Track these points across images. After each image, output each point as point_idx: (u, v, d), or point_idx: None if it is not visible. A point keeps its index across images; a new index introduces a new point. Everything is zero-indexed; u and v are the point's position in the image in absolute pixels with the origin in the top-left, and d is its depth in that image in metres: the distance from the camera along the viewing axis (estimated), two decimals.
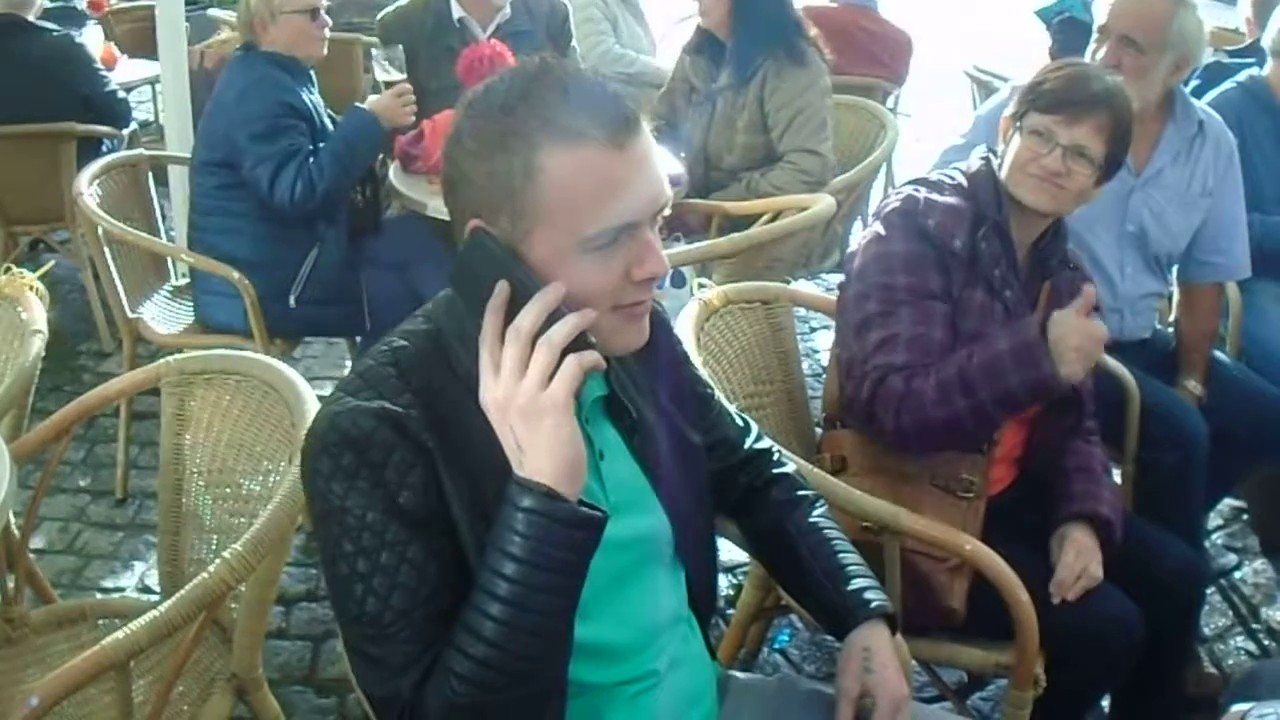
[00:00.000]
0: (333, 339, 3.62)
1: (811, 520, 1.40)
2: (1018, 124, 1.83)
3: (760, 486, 1.45)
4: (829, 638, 2.44)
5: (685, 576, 1.31)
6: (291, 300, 2.83)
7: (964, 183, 1.86)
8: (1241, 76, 2.82)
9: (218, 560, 1.41)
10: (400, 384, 1.09)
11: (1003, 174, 1.83)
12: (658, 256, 1.08)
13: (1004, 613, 1.63)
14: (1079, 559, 1.73)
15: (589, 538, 1.04)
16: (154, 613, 1.36)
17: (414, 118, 2.96)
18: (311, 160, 2.75)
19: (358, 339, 3.15)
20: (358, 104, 2.89)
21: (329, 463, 1.06)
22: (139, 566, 2.65)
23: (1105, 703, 2.04)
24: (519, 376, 1.02)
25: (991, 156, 1.88)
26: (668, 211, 1.11)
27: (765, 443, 1.49)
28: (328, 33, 2.90)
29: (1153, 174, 2.32)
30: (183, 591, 1.39)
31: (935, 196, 1.84)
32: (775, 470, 1.46)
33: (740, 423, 1.48)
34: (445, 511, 1.08)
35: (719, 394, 1.48)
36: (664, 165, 1.10)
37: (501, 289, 1.04)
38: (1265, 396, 2.39)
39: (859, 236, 1.94)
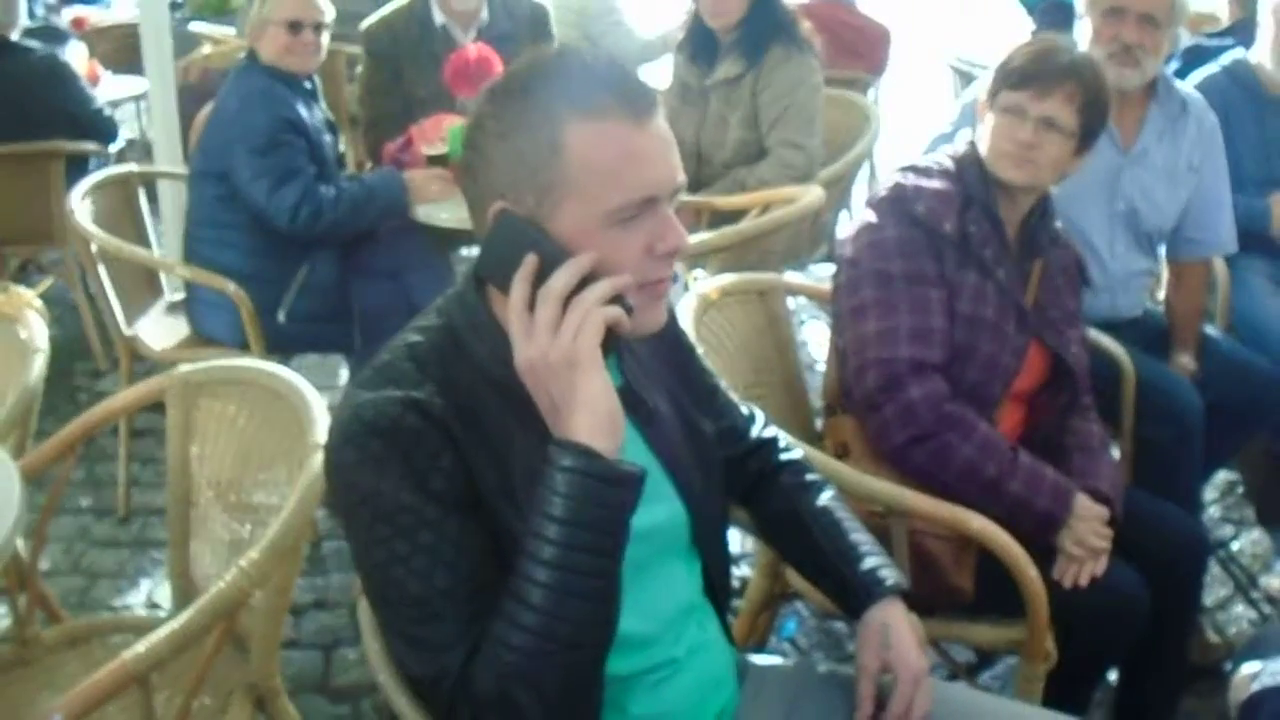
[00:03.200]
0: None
1: (822, 503, 1.42)
2: (991, 104, 1.86)
3: (769, 472, 1.47)
4: (837, 624, 2.49)
5: (701, 564, 1.32)
6: (280, 315, 2.83)
7: (951, 167, 1.88)
8: (1226, 60, 2.86)
9: (233, 568, 1.42)
10: (419, 376, 1.10)
11: (983, 154, 1.85)
12: (678, 231, 1.10)
13: (1011, 589, 1.65)
14: (1078, 544, 1.75)
15: (629, 495, 1.05)
16: (173, 624, 1.36)
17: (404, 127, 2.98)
18: (324, 188, 2.77)
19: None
20: (395, 169, 2.94)
21: (355, 453, 1.07)
22: (145, 583, 2.65)
23: (1112, 674, 2.06)
24: (551, 336, 1.03)
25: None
26: (683, 196, 1.13)
27: (772, 430, 1.51)
28: (319, 49, 2.92)
29: (1140, 152, 2.35)
30: (200, 601, 1.39)
31: (923, 182, 1.86)
32: (784, 456, 1.48)
33: (746, 411, 1.50)
34: (476, 494, 1.09)
35: (723, 383, 1.49)
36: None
37: (530, 260, 1.06)
38: (1256, 368, 2.42)
39: (849, 225, 1.96)
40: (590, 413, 1.03)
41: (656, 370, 1.29)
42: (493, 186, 1.09)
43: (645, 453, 1.24)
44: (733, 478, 1.43)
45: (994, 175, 1.84)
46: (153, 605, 2.57)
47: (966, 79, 4.19)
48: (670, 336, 1.32)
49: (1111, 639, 1.80)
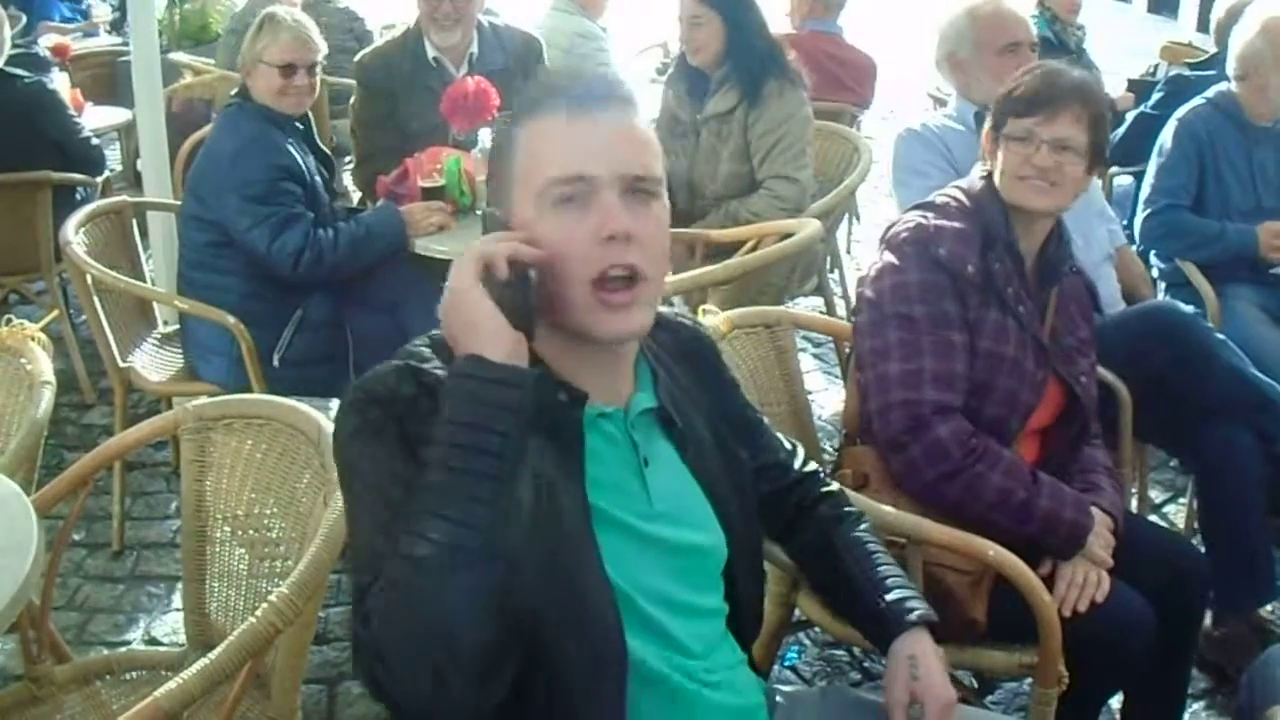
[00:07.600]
0: None
1: (855, 534, 1.46)
2: (999, 135, 1.87)
3: (808, 505, 1.50)
4: (838, 652, 2.51)
5: (736, 594, 1.34)
6: (276, 360, 2.80)
7: (967, 203, 1.89)
8: (1211, 92, 2.95)
9: (265, 605, 1.42)
10: (429, 352, 1.17)
11: (1000, 188, 1.87)
12: (618, 217, 1.14)
13: (1023, 616, 1.67)
14: (1075, 570, 1.78)
15: (518, 395, 1.06)
16: (204, 661, 1.36)
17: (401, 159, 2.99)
18: (323, 232, 2.77)
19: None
20: (392, 204, 2.94)
21: (356, 419, 1.12)
22: (143, 618, 2.62)
23: (1115, 699, 2.09)
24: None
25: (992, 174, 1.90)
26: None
27: (812, 465, 1.55)
28: (313, 90, 2.89)
29: None
30: (232, 637, 1.39)
31: (943, 222, 1.86)
32: (822, 489, 1.52)
33: (789, 445, 1.54)
34: None
35: (767, 419, 1.52)
36: (647, 147, 1.19)
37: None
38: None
39: (870, 265, 1.96)
40: (474, 329, 1.09)
41: (699, 399, 1.33)
42: (495, 201, 1.22)
43: (687, 477, 1.27)
44: (774, 511, 1.47)
45: (1016, 205, 1.85)
46: (151, 640, 2.53)
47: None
48: (711, 368, 1.38)
49: (1119, 662, 1.82)
